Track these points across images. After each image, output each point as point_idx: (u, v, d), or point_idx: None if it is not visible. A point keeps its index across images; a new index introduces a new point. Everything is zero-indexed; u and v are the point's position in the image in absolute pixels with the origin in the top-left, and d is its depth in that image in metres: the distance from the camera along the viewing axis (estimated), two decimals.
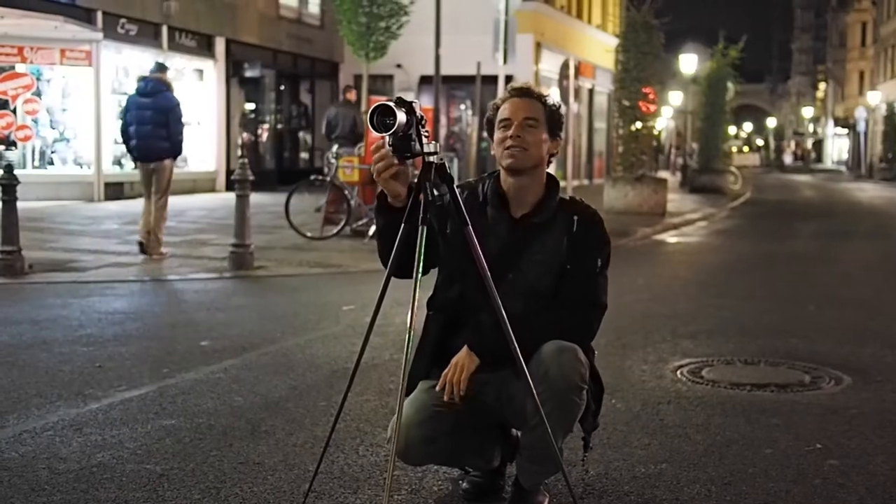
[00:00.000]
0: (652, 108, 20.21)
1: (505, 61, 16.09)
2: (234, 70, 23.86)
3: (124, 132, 10.82)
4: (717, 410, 5.00)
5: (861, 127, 54.65)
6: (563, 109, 3.47)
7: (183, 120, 10.86)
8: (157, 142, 10.60)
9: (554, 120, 3.39)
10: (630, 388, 5.43)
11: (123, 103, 11.16)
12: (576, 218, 3.37)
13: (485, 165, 20.85)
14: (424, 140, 3.05)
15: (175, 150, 10.78)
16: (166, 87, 10.82)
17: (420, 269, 3.06)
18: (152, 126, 10.55)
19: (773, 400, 5.27)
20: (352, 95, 15.84)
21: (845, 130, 69.25)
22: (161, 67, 11.12)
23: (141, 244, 10.65)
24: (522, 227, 3.37)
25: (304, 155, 28.30)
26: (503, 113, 3.36)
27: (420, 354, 3.43)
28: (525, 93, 3.39)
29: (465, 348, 3.29)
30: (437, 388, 3.27)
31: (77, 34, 17.91)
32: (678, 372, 5.85)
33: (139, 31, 20.20)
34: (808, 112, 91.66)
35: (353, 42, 19.34)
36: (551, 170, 3.51)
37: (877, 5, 61.98)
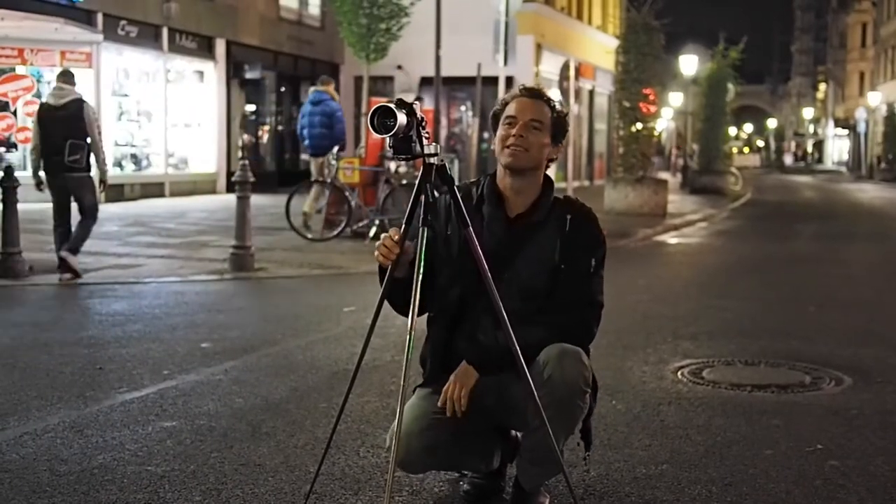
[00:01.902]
0: (652, 109, 20.21)
1: (505, 63, 16.10)
2: (234, 72, 23.86)
3: (300, 134, 13.83)
4: (717, 411, 5.00)
5: (861, 128, 54.67)
6: (569, 117, 3.48)
7: (343, 121, 13.83)
8: (323, 140, 13.40)
9: (559, 126, 3.39)
10: (631, 389, 5.43)
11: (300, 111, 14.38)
12: (569, 217, 3.37)
13: (485, 167, 20.85)
14: (425, 141, 3.06)
15: (339, 147, 13.69)
16: (330, 96, 13.62)
17: (421, 270, 3.06)
18: (320, 128, 13.37)
19: (774, 401, 5.27)
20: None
21: (846, 131, 69.27)
22: (325, 81, 14.01)
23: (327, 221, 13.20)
24: (518, 227, 3.37)
25: (304, 157, 28.27)
26: (510, 110, 3.36)
27: (428, 363, 3.45)
28: (535, 94, 3.40)
29: (463, 363, 3.29)
30: (439, 404, 3.27)
31: (77, 36, 17.92)
32: (679, 373, 5.85)
33: (139, 32, 20.21)
34: (808, 113, 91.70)
35: (354, 43, 19.34)
36: (551, 172, 3.51)
37: (877, 6, 61.99)
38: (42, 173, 9.39)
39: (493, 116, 3.43)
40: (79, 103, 9.45)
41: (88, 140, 9.35)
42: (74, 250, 9.30)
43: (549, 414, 3.12)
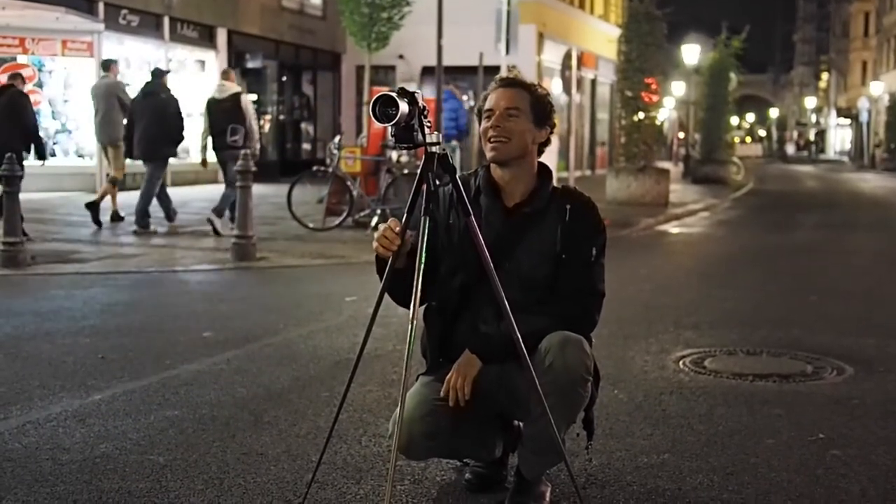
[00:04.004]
0: (654, 98, 20.18)
1: (507, 52, 16.06)
2: (235, 61, 23.82)
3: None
4: (719, 401, 5.01)
5: (864, 117, 54.55)
6: (554, 97, 3.47)
7: (465, 115, 17.69)
8: (450, 131, 17.18)
9: (539, 108, 3.37)
10: (632, 379, 5.43)
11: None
12: (568, 206, 3.37)
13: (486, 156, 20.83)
14: (427, 130, 3.06)
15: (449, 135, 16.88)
16: (452, 93, 17.37)
17: (422, 260, 3.06)
18: (447, 121, 16.76)
19: (776, 390, 5.27)
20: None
21: (848, 121, 69.13)
22: (451, 81, 17.39)
23: None
24: (516, 217, 3.37)
25: (306, 146, 28.28)
26: (488, 103, 3.37)
27: (429, 352, 3.46)
28: (509, 82, 3.39)
29: (466, 352, 3.29)
30: (442, 394, 3.27)
31: (79, 25, 17.89)
32: (680, 362, 5.85)
33: (141, 21, 20.19)
34: (810, 102, 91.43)
35: (356, 33, 19.32)
36: (553, 161, 3.51)
37: None
38: (207, 152, 12.42)
39: (478, 112, 3.44)
40: (237, 96, 12.14)
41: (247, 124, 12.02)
42: (219, 212, 11.96)
43: (551, 402, 3.12)
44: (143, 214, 11.91)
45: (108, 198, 12.77)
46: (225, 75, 12.74)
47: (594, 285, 3.36)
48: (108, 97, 12.69)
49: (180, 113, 12.24)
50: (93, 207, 12.36)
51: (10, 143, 10.53)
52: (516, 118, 3.32)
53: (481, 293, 3.27)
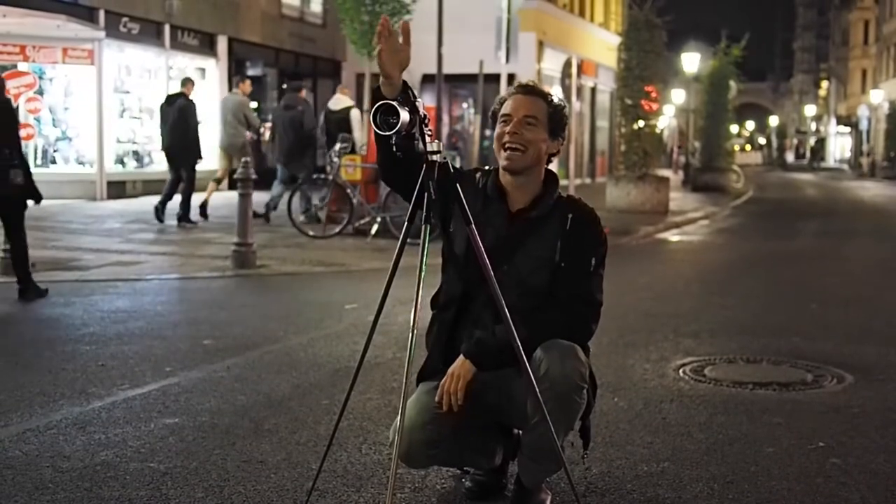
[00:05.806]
0: (654, 106, 20.19)
1: (507, 60, 16.09)
2: (236, 69, 23.83)
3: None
4: (719, 409, 5.01)
5: (863, 125, 54.58)
6: (567, 110, 3.48)
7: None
8: None
9: (556, 120, 3.39)
10: (632, 387, 5.43)
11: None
12: (570, 216, 3.37)
13: (487, 163, 20.81)
14: (427, 139, 3.06)
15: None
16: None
17: (423, 269, 3.06)
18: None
19: (776, 398, 5.28)
20: None
21: (848, 129, 69.19)
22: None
23: None
24: (519, 222, 3.38)
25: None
26: (505, 109, 3.38)
27: (428, 353, 3.46)
28: (529, 90, 3.40)
29: (460, 357, 3.29)
30: (437, 399, 3.27)
31: (79, 33, 17.91)
32: (680, 370, 5.85)
33: (141, 29, 20.20)
34: (810, 110, 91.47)
35: (356, 41, 19.33)
36: (554, 169, 3.51)
37: (879, 3, 61.90)
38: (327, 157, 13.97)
39: (492, 115, 3.45)
40: (347, 110, 14.15)
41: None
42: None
43: (548, 409, 3.12)
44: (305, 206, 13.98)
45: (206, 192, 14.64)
46: (341, 90, 14.84)
47: (592, 294, 3.36)
48: (236, 112, 14.74)
49: (302, 123, 14.21)
50: (202, 207, 14.34)
51: (182, 147, 13.37)
52: (533, 127, 3.33)
53: (481, 298, 3.28)
